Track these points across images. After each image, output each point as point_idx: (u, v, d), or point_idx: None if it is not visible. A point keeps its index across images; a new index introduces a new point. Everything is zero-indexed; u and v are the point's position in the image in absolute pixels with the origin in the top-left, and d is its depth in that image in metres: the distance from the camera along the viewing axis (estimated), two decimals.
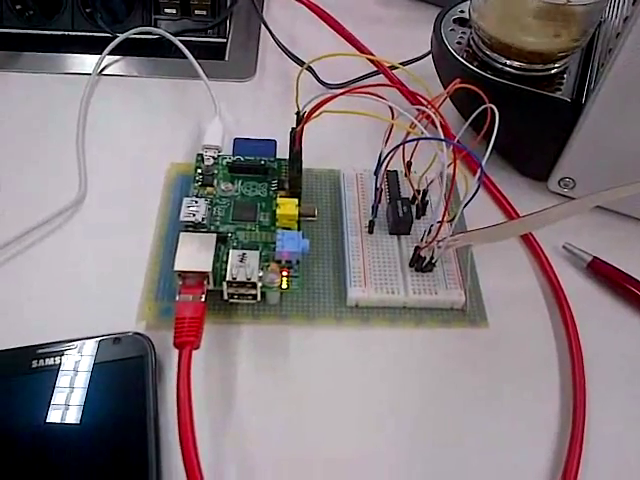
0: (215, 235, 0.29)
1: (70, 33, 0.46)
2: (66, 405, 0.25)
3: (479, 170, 0.27)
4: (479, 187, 0.28)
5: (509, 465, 0.26)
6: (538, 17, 0.33)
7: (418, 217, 0.34)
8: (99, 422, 0.25)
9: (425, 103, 0.30)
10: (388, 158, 0.30)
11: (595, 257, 0.33)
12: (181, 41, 0.42)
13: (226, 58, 0.45)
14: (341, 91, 0.30)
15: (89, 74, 0.41)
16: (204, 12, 0.47)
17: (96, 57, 0.43)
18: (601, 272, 0.33)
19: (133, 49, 0.45)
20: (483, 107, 0.29)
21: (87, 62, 0.43)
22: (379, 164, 0.33)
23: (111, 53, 0.43)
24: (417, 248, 0.31)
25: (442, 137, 0.27)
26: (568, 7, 0.32)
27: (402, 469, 0.26)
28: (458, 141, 0.32)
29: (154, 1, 0.46)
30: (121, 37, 0.43)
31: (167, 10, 0.47)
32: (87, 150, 0.37)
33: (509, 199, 0.37)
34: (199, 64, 0.41)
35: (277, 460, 0.26)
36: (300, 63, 0.42)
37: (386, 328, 0.30)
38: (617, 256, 0.33)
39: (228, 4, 0.47)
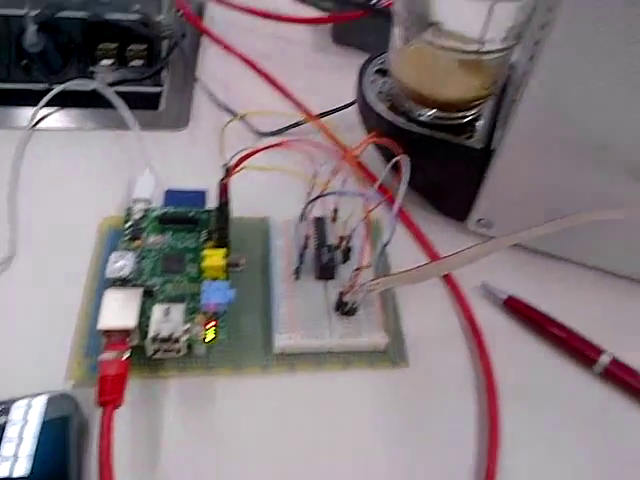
0: (141, 290, 0.30)
1: (6, 85, 0.46)
2: None
3: (391, 219, 0.28)
4: (390, 238, 0.29)
5: None
6: (450, 68, 0.35)
7: (344, 262, 0.35)
8: None
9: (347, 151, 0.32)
10: (308, 209, 0.32)
11: (510, 295, 0.35)
12: (118, 91, 0.43)
13: (161, 108, 0.46)
14: (262, 147, 0.31)
15: (23, 128, 0.42)
16: (141, 62, 0.48)
17: (32, 110, 0.43)
18: (516, 309, 0.35)
19: (70, 100, 0.45)
20: (395, 160, 0.30)
21: (22, 115, 0.44)
22: (302, 213, 0.35)
23: (48, 104, 0.44)
24: (341, 293, 0.32)
25: (357, 191, 0.29)
26: (478, 59, 0.34)
27: None
28: (381, 184, 0.33)
29: (90, 52, 0.47)
30: (55, 90, 0.43)
31: (104, 61, 0.48)
32: (19, 205, 0.37)
33: (431, 239, 0.38)
34: (133, 115, 0.42)
35: None
36: (232, 113, 0.43)
37: (313, 373, 0.31)
38: (533, 292, 0.35)
39: (164, 54, 0.48)
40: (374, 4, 0.47)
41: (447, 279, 0.36)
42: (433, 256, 0.37)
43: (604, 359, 0.32)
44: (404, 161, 0.30)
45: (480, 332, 0.33)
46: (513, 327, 0.35)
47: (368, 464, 0.29)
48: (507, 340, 0.34)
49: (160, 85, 0.48)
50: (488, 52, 0.34)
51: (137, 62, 0.48)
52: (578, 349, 0.33)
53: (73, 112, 0.45)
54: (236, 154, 0.33)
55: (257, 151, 0.32)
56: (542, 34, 0.29)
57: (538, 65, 0.29)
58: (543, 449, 0.30)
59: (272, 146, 0.32)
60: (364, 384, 0.31)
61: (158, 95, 0.47)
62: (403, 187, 0.29)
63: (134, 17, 0.48)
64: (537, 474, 0.29)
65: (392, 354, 0.32)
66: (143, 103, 0.46)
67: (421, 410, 0.31)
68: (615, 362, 0.32)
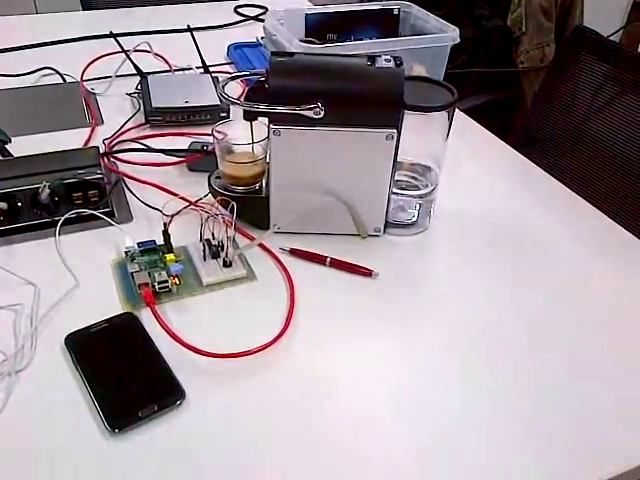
0: (146, 272, 0.77)
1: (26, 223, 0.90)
2: None
3: (232, 230, 0.79)
4: (234, 237, 0.80)
5: None
6: (241, 168, 0.87)
7: (221, 250, 0.84)
8: None
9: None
10: (202, 231, 0.81)
11: (292, 248, 0.86)
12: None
13: (117, 215, 0.93)
14: (172, 216, 0.81)
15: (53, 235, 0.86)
16: (97, 197, 0.95)
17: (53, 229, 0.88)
18: (296, 253, 0.86)
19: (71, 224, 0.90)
20: (231, 204, 0.82)
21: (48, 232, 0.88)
22: (200, 237, 0.84)
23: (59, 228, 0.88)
24: (224, 259, 0.81)
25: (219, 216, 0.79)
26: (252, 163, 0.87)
27: None
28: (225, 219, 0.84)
29: (70, 198, 0.93)
30: (63, 218, 0.89)
31: (77, 201, 0.94)
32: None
33: (255, 236, 0.89)
34: (113, 221, 0.89)
35: None
36: (154, 208, 0.92)
37: (223, 289, 0.79)
38: (302, 247, 0.87)
39: (109, 190, 0.95)
40: (206, 148, 1.00)
41: (266, 249, 0.86)
42: (251, 239, 0.88)
43: (328, 260, 0.84)
44: (234, 206, 0.81)
45: (284, 265, 0.84)
46: (289, 260, 0.85)
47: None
48: (294, 266, 0.84)
49: (111, 205, 0.94)
50: (259, 159, 0.88)
51: (95, 198, 0.95)
52: (318, 259, 0.85)
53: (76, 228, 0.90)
54: (167, 217, 0.82)
55: (173, 215, 0.82)
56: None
57: (272, 155, 0.83)
58: (316, 302, 0.80)
59: (172, 216, 0.81)
60: (242, 292, 0.80)
61: (112, 210, 0.94)
62: (234, 217, 0.80)
63: (88, 177, 0.95)
64: (314, 326, 0.79)
65: (249, 276, 0.82)
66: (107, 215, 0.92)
67: (261, 300, 0.79)
68: (333, 259, 0.84)
